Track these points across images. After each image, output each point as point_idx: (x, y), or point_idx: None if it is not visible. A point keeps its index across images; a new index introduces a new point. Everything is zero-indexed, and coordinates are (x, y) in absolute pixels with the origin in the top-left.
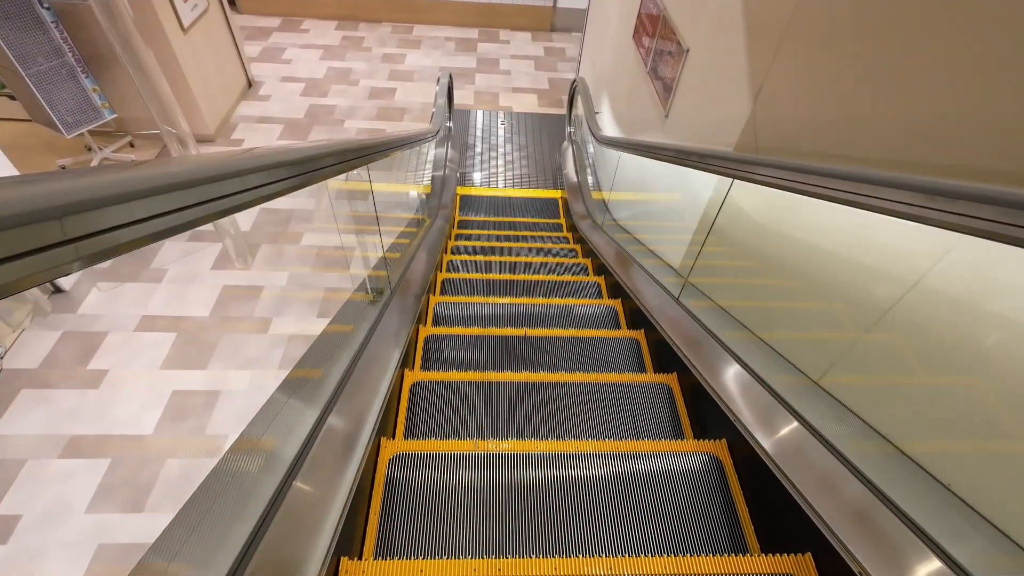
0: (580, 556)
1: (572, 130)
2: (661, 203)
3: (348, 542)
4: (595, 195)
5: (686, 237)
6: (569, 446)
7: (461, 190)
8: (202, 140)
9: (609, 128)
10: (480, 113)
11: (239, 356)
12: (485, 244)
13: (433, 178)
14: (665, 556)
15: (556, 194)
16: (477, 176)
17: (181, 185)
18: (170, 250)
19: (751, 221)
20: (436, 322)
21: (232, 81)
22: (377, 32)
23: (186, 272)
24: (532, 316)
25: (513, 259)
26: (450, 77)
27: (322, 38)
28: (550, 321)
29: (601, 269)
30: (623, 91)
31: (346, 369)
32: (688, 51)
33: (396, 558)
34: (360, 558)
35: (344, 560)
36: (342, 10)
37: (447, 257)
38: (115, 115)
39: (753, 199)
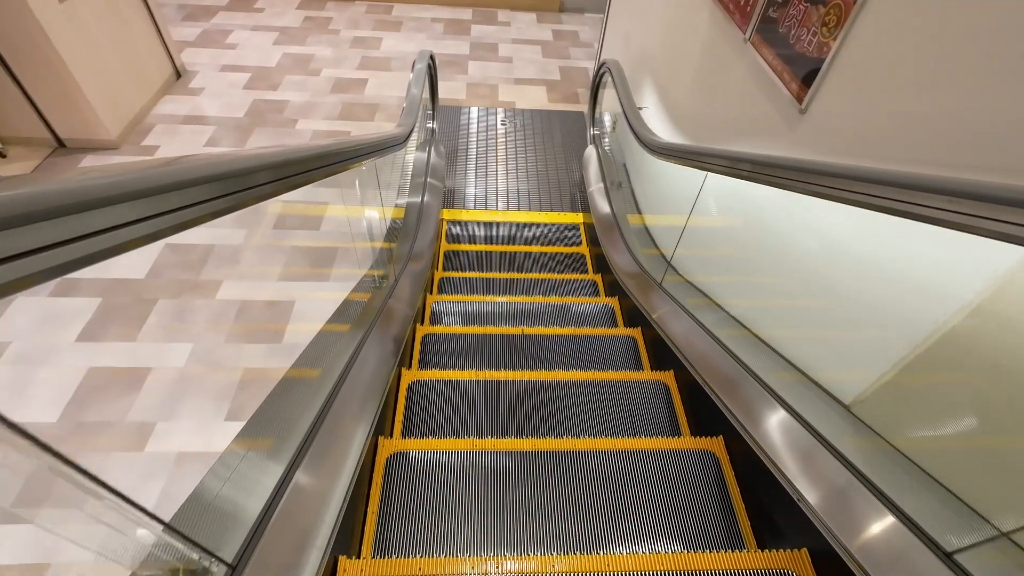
0: (578, 553)
1: (597, 132)
2: (808, 275)
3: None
4: (632, 219)
5: (880, 365)
6: (567, 444)
7: (448, 214)
8: (100, 147)
9: (660, 131)
10: (475, 111)
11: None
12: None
13: (407, 207)
14: (663, 552)
15: (576, 219)
16: (470, 192)
17: None
18: (22, 310)
19: None
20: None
21: (149, 70)
22: (348, 12)
23: (38, 346)
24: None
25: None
26: (430, 59)
27: (279, 19)
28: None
29: (666, 357)
30: (688, 76)
31: None
32: None
33: (394, 556)
34: (358, 556)
35: (342, 559)
36: None
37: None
38: None
39: None
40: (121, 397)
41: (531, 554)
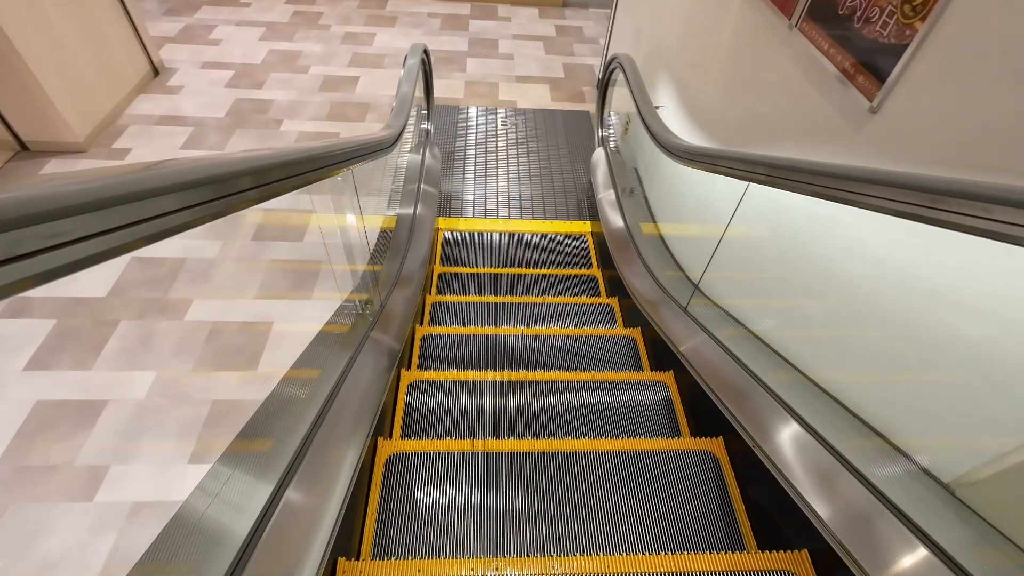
0: (577, 554)
1: (606, 134)
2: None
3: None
4: (646, 228)
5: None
6: (566, 444)
7: (443, 223)
8: (66, 150)
9: (680, 133)
10: (473, 110)
11: (22, 562)
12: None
13: (398, 219)
14: (663, 554)
15: (584, 227)
16: (468, 199)
17: None
18: None
19: None
20: None
21: (123, 68)
22: (340, 7)
23: None
24: None
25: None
26: (424, 53)
27: (266, 13)
28: None
29: (705, 415)
30: (715, 72)
31: None
32: None
33: (393, 558)
34: (357, 558)
35: (341, 560)
36: None
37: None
38: None
39: None
40: (71, 435)
41: (530, 555)
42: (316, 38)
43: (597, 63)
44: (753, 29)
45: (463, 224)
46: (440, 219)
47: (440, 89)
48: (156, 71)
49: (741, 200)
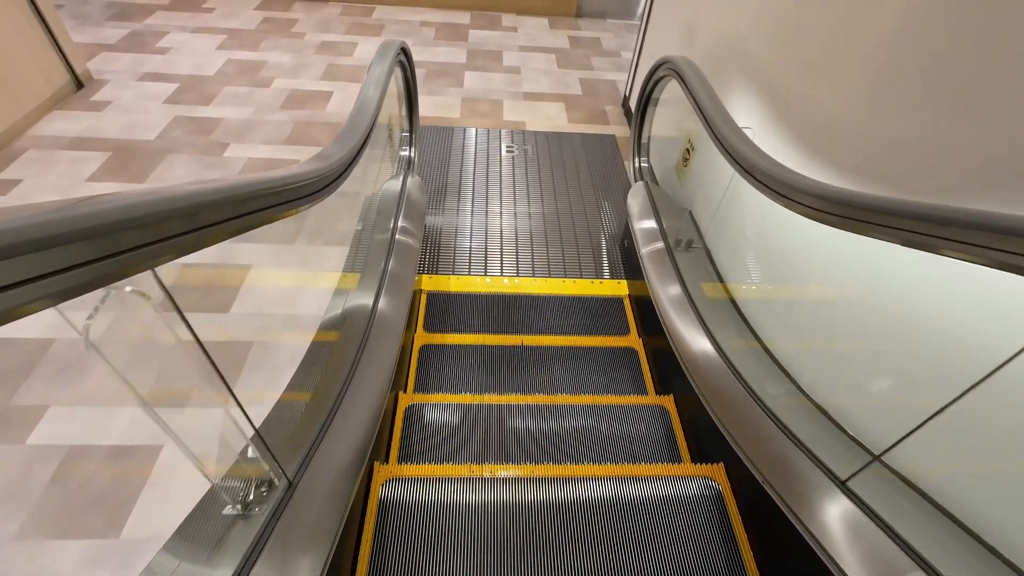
0: None
1: (646, 164)
2: None
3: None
4: (712, 292)
5: None
6: (566, 470)
7: (428, 283)
8: None
9: (787, 165)
10: (472, 133)
11: None
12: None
13: (346, 318)
14: None
15: (619, 289)
16: (464, 247)
17: None
18: None
19: None
20: None
21: (29, 79)
22: (319, 14)
23: None
24: None
25: None
26: (402, 54)
27: (231, 20)
28: None
29: None
30: (869, 65)
31: None
32: None
33: None
34: None
35: None
36: None
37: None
38: None
39: None
40: None
41: None
42: (286, 47)
43: (620, 79)
44: None
45: (454, 284)
46: (424, 277)
47: (429, 107)
48: (80, 83)
49: None
